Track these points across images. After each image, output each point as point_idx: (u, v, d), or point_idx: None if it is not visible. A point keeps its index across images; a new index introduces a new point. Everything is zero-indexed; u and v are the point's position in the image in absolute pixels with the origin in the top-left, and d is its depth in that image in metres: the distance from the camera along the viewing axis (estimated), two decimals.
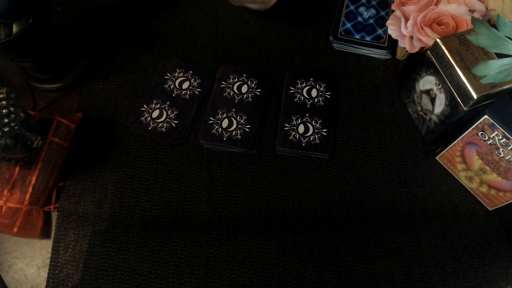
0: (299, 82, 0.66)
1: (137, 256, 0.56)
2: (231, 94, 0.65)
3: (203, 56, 0.70)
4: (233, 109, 0.64)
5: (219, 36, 0.72)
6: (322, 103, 0.65)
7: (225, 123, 0.63)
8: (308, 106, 0.64)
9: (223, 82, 0.66)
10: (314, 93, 0.66)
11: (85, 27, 0.72)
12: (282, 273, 0.55)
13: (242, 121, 0.63)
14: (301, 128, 0.62)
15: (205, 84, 0.67)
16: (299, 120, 0.63)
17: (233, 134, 0.62)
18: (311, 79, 0.67)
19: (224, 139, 0.62)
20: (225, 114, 0.64)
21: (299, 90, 0.66)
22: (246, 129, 0.62)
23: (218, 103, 0.65)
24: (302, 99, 0.65)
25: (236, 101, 0.65)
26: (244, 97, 0.65)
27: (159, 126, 0.63)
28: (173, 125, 0.63)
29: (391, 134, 0.64)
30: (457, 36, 0.53)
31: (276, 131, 0.63)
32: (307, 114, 0.64)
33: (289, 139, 0.62)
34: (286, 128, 0.63)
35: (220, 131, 0.62)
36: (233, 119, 0.63)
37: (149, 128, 0.63)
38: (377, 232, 0.57)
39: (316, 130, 0.62)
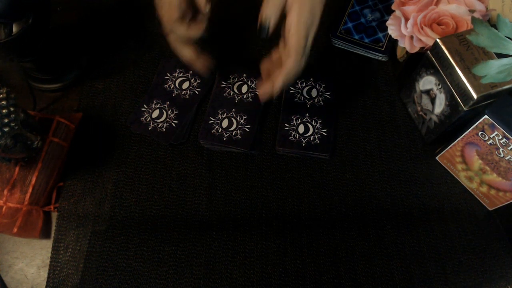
0: (299, 82, 0.66)
1: (137, 256, 0.56)
2: (231, 94, 0.65)
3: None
4: (233, 109, 0.64)
5: (219, 36, 0.72)
6: (322, 103, 0.65)
7: (225, 123, 0.63)
8: (308, 106, 0.64)
9: (223, 82, 0.66)
10: (314, 93, 0.66)
11: (85, 27, 0.72)
12: (282, 273, 0.55)
13: (242, 121, 0.63)
14: (301, 128, 0.62)
15: (205, 84, 0.67)
16: (299, 120, 0.63)
17: (233, 134, 0.62)
18: (311, 79, 0.67)
19: (224, 139, 0.62)
20: (225, 114, 0.64)
21: (299, 90, 0.66)
22: (246, 129, 0.62)
23: (218, 103, 0.65)
24: (302, 99, 0.65)
25: (236, 101, 0.65)
26: (244, 97, 0.65)
27: (159, 126, 0.63)
28: (173, 125, 0.63)
29: (391, 134, 0.64)
30: (457, 36, 0.53)
31: (276, 131, 0.63)
32: (307, 114, 0.64)
33: (289, 139, 0.62)
34: (286, 128, 0.63)
35: (220, 131, 0.62)
36: (233, 119, 0.63)
37: (149, 128, 0.63)
38: (377, 232, 0.57)
39: (316, 130, 0.62)
